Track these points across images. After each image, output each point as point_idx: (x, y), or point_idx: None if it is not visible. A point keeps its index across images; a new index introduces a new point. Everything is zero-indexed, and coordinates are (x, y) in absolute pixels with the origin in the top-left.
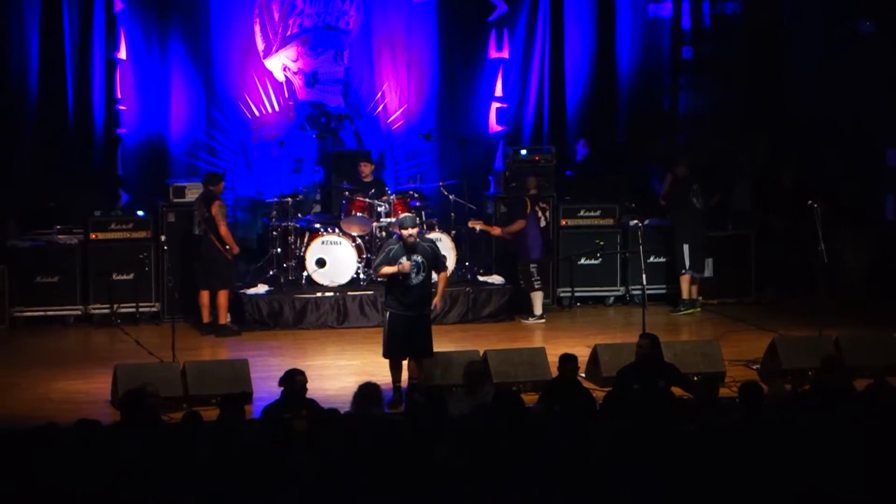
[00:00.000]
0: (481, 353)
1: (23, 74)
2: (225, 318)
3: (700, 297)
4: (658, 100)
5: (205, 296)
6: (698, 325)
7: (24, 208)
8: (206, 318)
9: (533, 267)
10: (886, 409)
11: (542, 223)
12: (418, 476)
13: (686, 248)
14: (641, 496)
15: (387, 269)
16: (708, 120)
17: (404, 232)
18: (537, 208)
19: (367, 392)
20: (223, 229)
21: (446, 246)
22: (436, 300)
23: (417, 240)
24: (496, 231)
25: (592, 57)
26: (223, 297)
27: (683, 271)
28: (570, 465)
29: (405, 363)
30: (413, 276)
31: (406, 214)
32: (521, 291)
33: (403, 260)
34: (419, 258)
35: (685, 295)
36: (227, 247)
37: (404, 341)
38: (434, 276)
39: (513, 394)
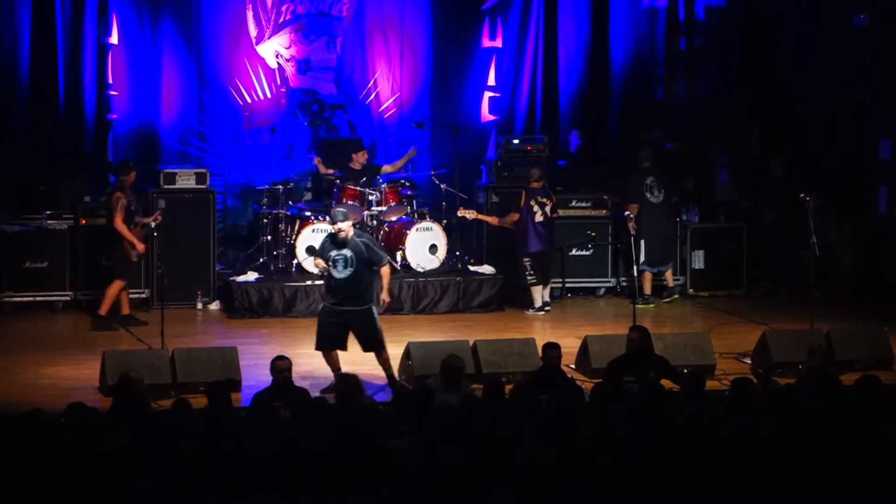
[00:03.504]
0: (471, 343)
1: (14, 59)
2: (106, 310)
3: (690, 290)
4: (652, 90)
5: (120, 286)
6: (689, 317)
7: (15, 193)
8: (125, 309)
9: (526, 261)
10: (873, 402)
11: (539, 217)
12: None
13: (643, 243)
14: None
15: (305, 264)
16: (701, 111)
17: (334, 227)
18: (533, 202)
19: (348, 382)
20: (116, 220)
21: (437, 235)
22: (382, 296)
23: (349, 235)
24: (493, 220)
25: (586, 47)
26: (115, 287)
27: (640, 267)
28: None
29: (339, 353)
30: (339, 270)
31: (337, 209)
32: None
33: (318, 260)
34: (348, 252)
35: (647, 291)
36: (127, 241)
37: (333, 334)
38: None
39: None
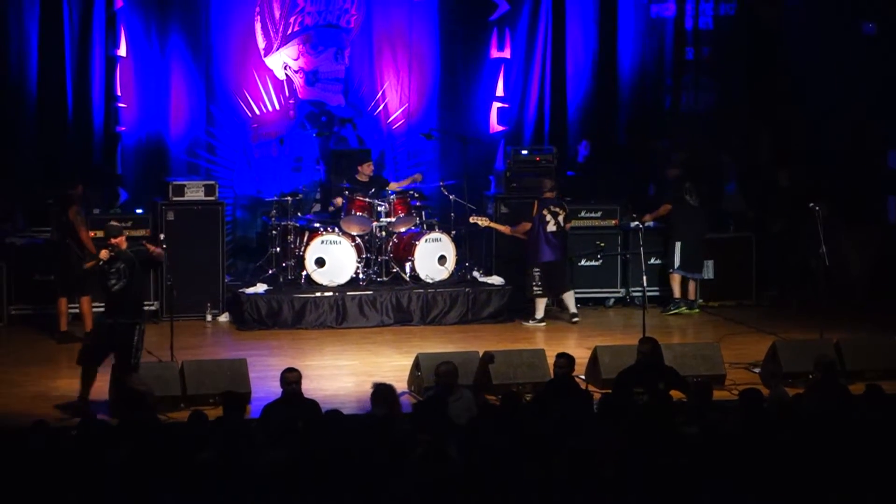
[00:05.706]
0: (481, 353)
1: (22, 71)
2: (90, 324)
3: (700, 300)
4: (660, 100)
5: (63, 303)
6: (699, 327)
7: (23, 205)
8: (63, 326)
9: (536, 271)
10: (878, 413)
11: (551, 227)
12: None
13: (678, 245)
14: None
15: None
16: (709, 120)
17: (111, 241)
18: (545, 212)
19: (384, 392)
20: (83, 235)
21: (446, 246)
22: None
23: (122, 249)
24: (506, 229)
25: (594, 57)
26: (86, 303)
27: (671, 270)
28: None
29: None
30: (113, 282)
31: (110, 224)
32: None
33: (105, 251)
34: (121, 265)
35: (677, 294)
36: (86, 252)
37: (100, 349)
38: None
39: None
